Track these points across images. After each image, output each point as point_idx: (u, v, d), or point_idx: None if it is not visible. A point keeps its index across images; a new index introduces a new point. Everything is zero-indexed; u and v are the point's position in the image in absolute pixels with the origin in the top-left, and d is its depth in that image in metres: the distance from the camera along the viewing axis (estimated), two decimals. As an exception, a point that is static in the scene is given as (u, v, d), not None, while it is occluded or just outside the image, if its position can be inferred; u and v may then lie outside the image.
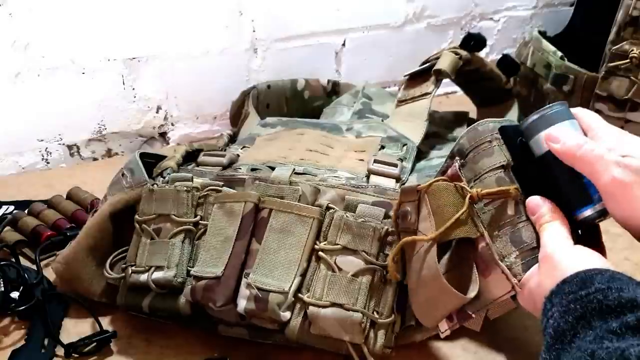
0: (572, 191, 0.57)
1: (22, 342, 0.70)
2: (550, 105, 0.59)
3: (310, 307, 0.63)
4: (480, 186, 0.60)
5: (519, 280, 0.57)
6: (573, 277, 0.49)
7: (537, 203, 0.57)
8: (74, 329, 0.72)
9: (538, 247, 0.57)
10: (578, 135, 0.56)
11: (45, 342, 0.69)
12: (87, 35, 1.01)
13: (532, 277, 0.56)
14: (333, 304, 0.63)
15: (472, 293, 0.59)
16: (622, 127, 0.91)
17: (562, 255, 0.53)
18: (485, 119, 0.64)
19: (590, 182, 0.55)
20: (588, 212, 0.56)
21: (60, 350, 0.69)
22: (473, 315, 0.61)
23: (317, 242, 0.66)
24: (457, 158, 0.63)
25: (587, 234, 0.59)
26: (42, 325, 0.71)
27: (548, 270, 0.53)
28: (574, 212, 0.57)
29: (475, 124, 0.63)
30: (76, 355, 0.68)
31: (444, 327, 0.63)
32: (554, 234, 0.55)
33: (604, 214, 0.56)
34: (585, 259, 0.52)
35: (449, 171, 0.64)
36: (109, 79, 1.06)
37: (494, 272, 0.59)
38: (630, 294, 0.45)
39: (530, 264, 0.57)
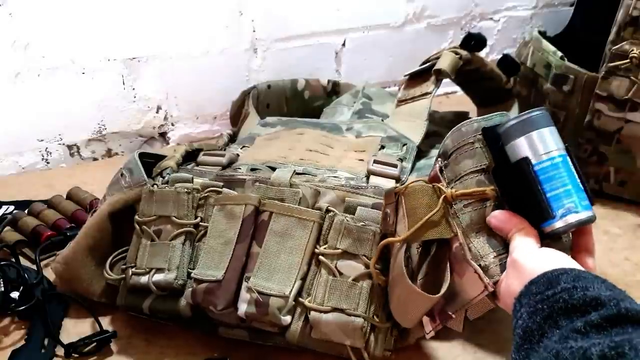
0: (536, 205, 0.57)
1: (22, 342, 0.70)
2: (529, 111, 0.59)
3: (312, 313, 0.63)
4: (460, 187, 0.60)
5: (497, 282, 0.57)
6: (540, 277, 0.50)
7: (502, 219, 0.58)
8: (74, 329, 0.72)
9: None
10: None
11: (45, 342, 0.69)
12: (87, 35, 1.01)
13: (502, 281, 0.56)
14: (334, 309, 0.63)
15: (440, 293, 0.59)
16: (622, 127, 0.92)
17: (526, 258, 0.54)
18: (472, 119, 0.63)
19: (554, 197, 0.56)
20: (551, 227, 0.57)
21: (60, 350, 0.69)
22: (453, 316, 0.61)
23: (318, 246, 0.66)
24: (439, 159, 0.63)
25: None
26: (42, 325, 0.71)
27: (514, 274, 0.54)
28: (541, 224, 0.57)
29: (460, 124, 0.63)
30: (76, 355, 0.68)
31: (429, 328, 0.63)
32: (521, 240, 0.56)
33: (565, 231, 0.56)
34: (550, 259, 0.53)
35: (431, 172, 0.64)
36: (109, 79, 1.06)
37: (468, 272, 0.59)
38: (594, 293, 0.45)
39: (506, 266, 0.57)
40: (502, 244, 0.58)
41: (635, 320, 0.43)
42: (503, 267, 0.57)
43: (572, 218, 0.56)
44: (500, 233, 0.58)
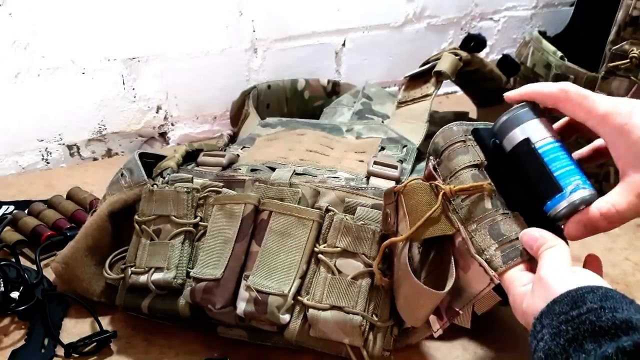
0: (542, 182, 0.57)
1: (22, 342, 0.70)
2: (520, 104, 0.61)
3: (310, 310, 0.63)
4: (456, 183, 0.61)
5: (500, 273, 0.57)
6: (564, 296, 0.47)
7: (535, 235, 0.56)
8: (74, 329, 0.72)
9: (517, 239, 0.57)
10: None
11: (45, 342, 0.69)
12: (87, 35, 1.01)
13: (524, 298, 0.54)
14: (333, 307, 0.63)
15: (446, 288, 0.58)
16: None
17: (554, 275, 0.51)
18: (460, 122, 0.65)
19: (560, 175, 0.56)
20: (561, 205, 0.56)
21: (60, 350, 0.69)
22: (460, 312, 0.61)
23: (317, 245, 0.66)
24: (431, 157, 0.65)
25: None
26: (42, 325, 0.71)
27: (539, 291, 0.51)
28: (546, 207, 0.57)
29: (450, 124, 0.64)
30: (76, 355, 0.68)
31: (436, 327, 0.63)
32: (551, 256, 0.53)
33: (575, 207, 0.56)
34: (578, 277, 0.50)
35: (425, 171, 0.65)
36: (109, 79, 1.06)
37: (472, 266, 0.59)
38: (624, 315, 0.43)
39: (510, 256, 0.57)
40: (508, 231, 0.58)
41: None
42: (506, 258, 0.57)
43: (580, 193, 0.55)
44: (531, 250, 0.56)
